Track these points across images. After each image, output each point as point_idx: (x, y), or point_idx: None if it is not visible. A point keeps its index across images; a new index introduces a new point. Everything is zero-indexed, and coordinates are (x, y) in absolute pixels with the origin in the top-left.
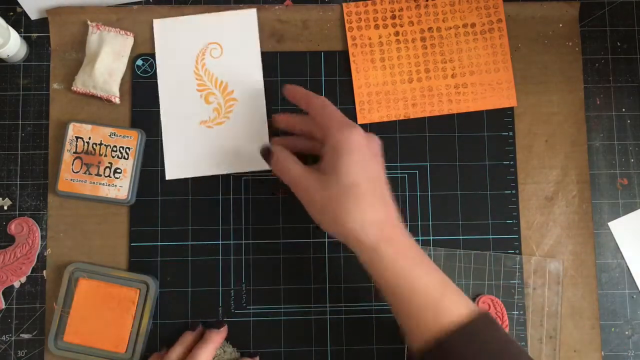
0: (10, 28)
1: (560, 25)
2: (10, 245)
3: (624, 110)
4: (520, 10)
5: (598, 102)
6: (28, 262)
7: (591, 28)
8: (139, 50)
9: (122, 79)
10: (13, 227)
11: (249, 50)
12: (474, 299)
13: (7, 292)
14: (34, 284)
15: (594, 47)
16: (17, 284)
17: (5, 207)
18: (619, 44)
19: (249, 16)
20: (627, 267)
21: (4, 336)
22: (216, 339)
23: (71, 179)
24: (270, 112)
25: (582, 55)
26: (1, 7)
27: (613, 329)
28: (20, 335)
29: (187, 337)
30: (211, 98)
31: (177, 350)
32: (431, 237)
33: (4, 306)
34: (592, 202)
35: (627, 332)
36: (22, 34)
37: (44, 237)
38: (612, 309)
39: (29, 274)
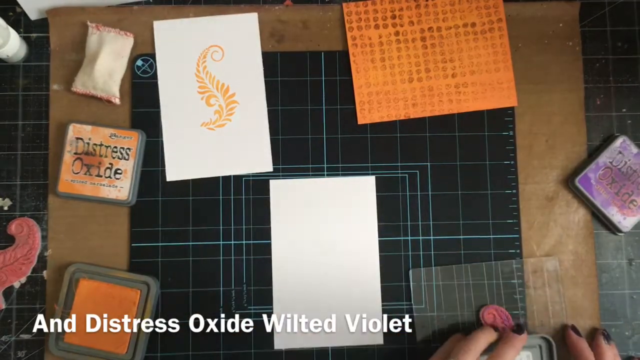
0: (10, 28)
1: (560, 25)
2: (11, 246)
3: (624, 110)
4: (520, 10)
5: (598, 102)
6: (28, 262)
7: (591, 28)
8: (139, 51)
9: (122, 79)
10: (13, 228)
11: (250, 54)
12: (477, 311)
13: (7, 293)
14: (34, 284)
15: (594, 47)
16: (17, 285)
17: (6, 208)
18: (619, 44)
19: (250, 20)
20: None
21: (4, 336)
22: (519, 345)
23: (71, 180)
24: (270, 113)
25: (582, 55)
26: (1, 7)
27: (613, 329)
28: (20, 335)
29: (480, 336)
30: (212, 100)
31: (480, 345)
32: (431, 237)
33: (4, 306)
34: None
35: (627, 333)
36: (22, 34)
37: (44, 238)
38: (612, 309)
39: (29, 274)
